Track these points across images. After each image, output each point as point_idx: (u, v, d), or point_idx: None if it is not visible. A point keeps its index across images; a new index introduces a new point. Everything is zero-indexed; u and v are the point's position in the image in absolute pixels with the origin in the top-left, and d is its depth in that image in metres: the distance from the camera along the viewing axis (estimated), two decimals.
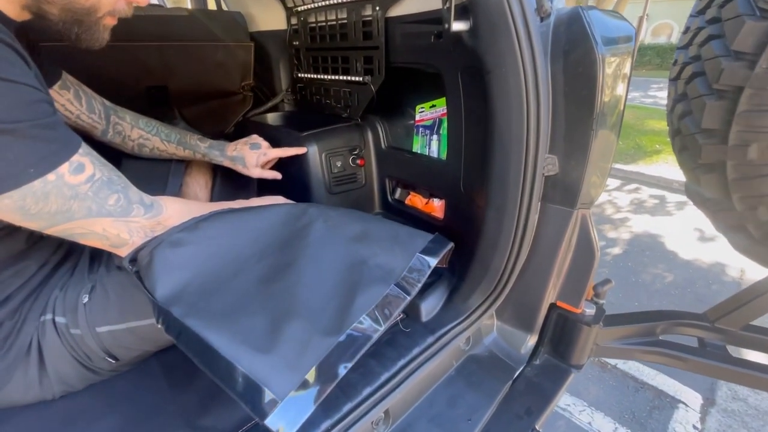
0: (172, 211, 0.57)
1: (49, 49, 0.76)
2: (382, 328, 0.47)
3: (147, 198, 0.55)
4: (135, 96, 1.11)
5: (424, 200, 1.02)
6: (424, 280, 0.53)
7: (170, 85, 1.15)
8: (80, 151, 0.48)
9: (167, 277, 0.49)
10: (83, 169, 0.47)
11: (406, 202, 1.06)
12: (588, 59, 0.56)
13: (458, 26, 0.60)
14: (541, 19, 0.61)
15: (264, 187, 1.10)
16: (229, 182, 1.03)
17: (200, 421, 0.59)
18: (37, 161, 0.43)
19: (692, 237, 2.82)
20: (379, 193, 1.10)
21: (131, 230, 0.53)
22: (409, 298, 0.51)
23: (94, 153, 0.51)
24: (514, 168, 0.62)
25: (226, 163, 0.92)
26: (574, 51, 0.57)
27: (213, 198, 0.98)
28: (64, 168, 0.45)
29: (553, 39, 0.59)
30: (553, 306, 0.76)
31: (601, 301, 0.77)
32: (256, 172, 0.93)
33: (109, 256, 0.64)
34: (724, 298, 0.76)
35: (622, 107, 0.61)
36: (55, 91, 0.71)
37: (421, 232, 0.63)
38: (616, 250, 2.65)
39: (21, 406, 0.57)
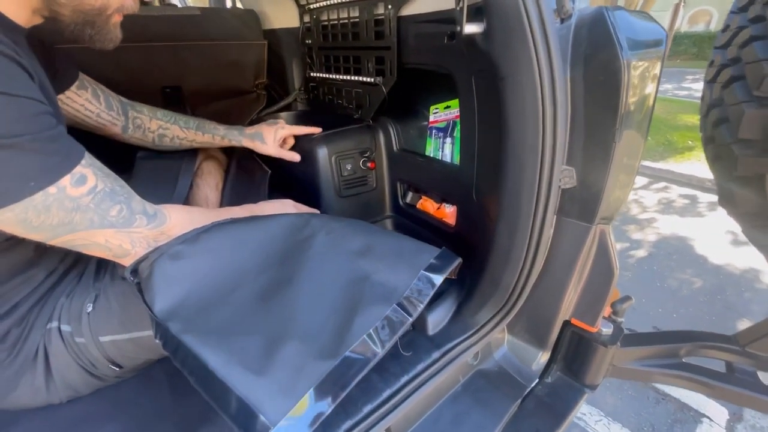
0: (176, 220, 0.57)
1: (62, 51, 0.76)
2: (380, 352, 0.45)
3: (150, 208, 0.55)
4: (150, 97, 1.10)
5: (436, 205, 0.99)
6: (428, 300, 0.51)
7: (184, 85, 1.15)
8: (82, 162, 0.48)
9: (166, 291, 0.49)
10: (85, 180, 0.47)
11: (418, 206, 1.03)
12: (612, 65, 0.51)
13: (471, 29, 0.57)
14: (561, 21, 0.56)
15: (274, 189, 1.09)
16: (240, 184, 1.02)
17: (202, 429, 0.59)
18: (37, 175, 0.43)
19: (724, 240, 2.68)
20: (390, 197, 1.08)
21: (134, 241, 0.53)
22: (410, 320, 0.49)
23: (97, 163, 0.51)
24: (528, 180, 0.58)
25: (246, 143, 0.94)
26: (597, 56, 0.53)
27: (223, 199, 0.98)
28: (66, 180, 0.45)
29: (573, 42, 0.55)
30: (567, 323, 0.73)
31: (620, 320, 0.73)
32: (274, 150, 0.94)
33: (115, 264, 0.65)
34: (756, 307, 0.71)
35: (648, 118, 0.56)
36: (73, 92, 0.72)
37: (427, 246, 0.60)
38: (641, 253, 2.54)
39: (29, 409, 0.58)
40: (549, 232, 0.61)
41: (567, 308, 0.71)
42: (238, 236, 0.56)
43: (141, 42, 1.03)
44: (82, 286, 0.62)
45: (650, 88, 0.54)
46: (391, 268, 0.54)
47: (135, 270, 0.52)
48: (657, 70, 0.54)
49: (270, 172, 1.06)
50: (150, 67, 1.07)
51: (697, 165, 3.79)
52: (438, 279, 0.53)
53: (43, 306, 0.58)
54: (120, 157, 0.96)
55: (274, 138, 0.94)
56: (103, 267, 0.66)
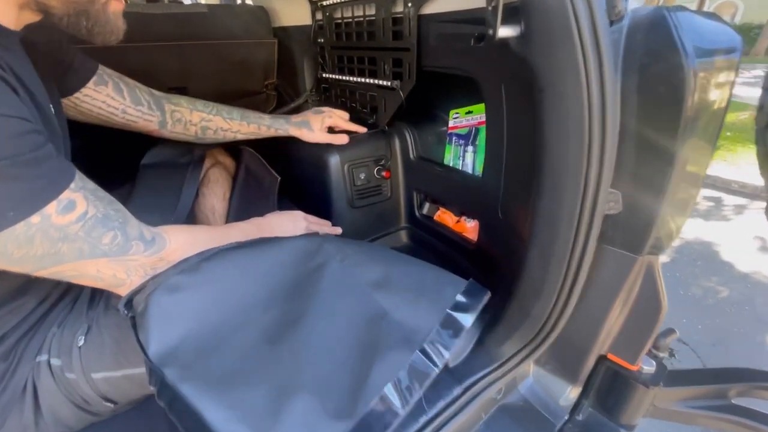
0: (176, 244, 0.52)
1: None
2: (402, 412, 0.39)
3: (148, 232, 0.50)
4: None
5: (455, 218, 0.92)
6: (455, 346, 0.45)
7: (190, 86, 1.09)
8: (72, 186, 0.42)
9: (163, 331, 0.44)
10: (74, 206, 0.42)
11: (435, 218, 0.96)
12: (674, 76, 0.44)
13: (506, 32, 0.50)
14: (611, 23, 0.49)
15: (284, 196, 1.04)
16: (248, 192, 0.97)
17: None
18: (18, 203, 0.38)
19: (752, 246, 2.55)
20: (406, 207, 1.01)
21: (129, 269, 0.48)
22: (436, 371, 0.43)
23: (90, 185, 0.46)
24: (567, 204, 0.51)
25: (293, 131, 0.90)
26: (655, 64, 0.45)
27: (231, 209, 0.93)
28: (51, 208, 0.40)
29: (626, 48, 0.48)
30: (602, 357, 0.66)
31: (662, 355, 0.66)
32: (323, 137, 0.90)
33: (110, 292, 0.60)
34: None
35: (715, 138, 0.48)
36: (90, 89, 0.67)
37: (451, 277, 0.54)
38: (663, 258, 2.43)
39: None
40: (589, 262, 0.54)
41: (603, 342, 0.64)
42: (243, 264, 0.50)
43: (144, 41, 0.97)
44: (75, 315, 0.57)
45: (720, 103, 0.46)
46: (412, 304, 0.48)
47: (129, 302, 0.47)
48: (729, 83, 0.46)
49: (279, 178, 1.01)
50: (154, 67, 1.02)
51: (723, 166, 3.63)
52: (467, 320, 0.47)
53: (33, 337, 0.53)
54: (125, 162, 0.93)
55: (321, 125, 0.90)
56: (98, 293, 0.62)
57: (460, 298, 0.49)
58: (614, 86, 0.44)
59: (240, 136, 0.87)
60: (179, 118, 0.80)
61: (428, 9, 0.73)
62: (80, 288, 0.62)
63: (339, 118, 0.93)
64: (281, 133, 0.90)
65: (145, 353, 0.42)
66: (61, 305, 0.58)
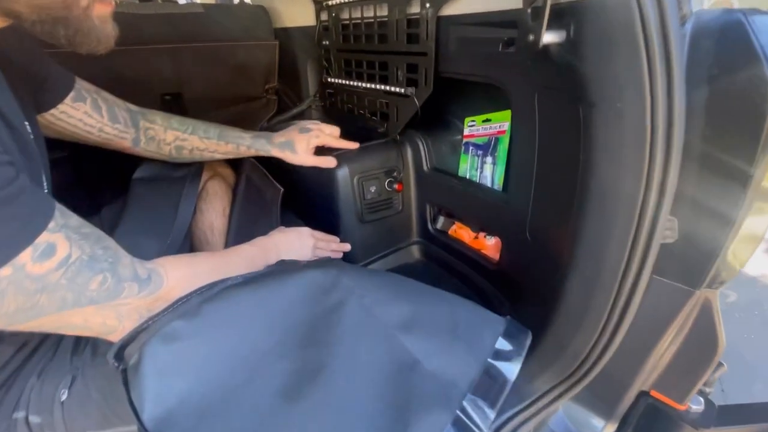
0: (175, 281, 0.45)
1: (54, 55, 0.64)
2: None
3: (143, 269, 0.43)
4: (147, 106, 0.99)
5: (473, 234, 0.86)
6: (500, 403, 0.39)
7: (185, 91, 1.02)
8: (50, 225, 0.36)
9: (159, 390, 0.37)
10: (53, 251, 0.36)
11: (450, 233, 0.90)
12: (755, 89, 0.38)
13: (551, 37, 0.44)
14: None
15: (287, 209, 0.97)
16: (250, 206, 0.90)
17: None
18: None
19: (759, 249, 2.51)
20: (418, 221, 0.95)
21: (121, 314, 0.41)
22: None
23: (73, 221, 0.39)
24: (618, 231, 0.45)
25: (275, 152, 0.81)
26: (729, 76, 0.39)
27: (231, 226, 0.86)
28: (26, 255, 0.34)
29: (690, 56, 0.41)
30: (644, 394, 0.60)
31: (709, 390, 0.60)
32: (309, 159, 0.80)
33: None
34: None
35: None
36: (68, 105, 0.60)
37: (486, 314, 0.48)
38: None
39: None
40: (640, 295, 0.48)
41: (646, 378, 0.58)
42: (250, 305, 0.43)
43: (135, 44, 0.90)
44: (57, 363, 0.50)
45: None
46: (446, 350, 0.42)
47: (120, 353, 0.40)
48: None
49: (282, 190, 0.94)
50: (147, 72, 0.94)
51: None
52: (511, 372, 0.41)
53: (9, 390, 0.46)
54: (114, 176, 0.86)
55: (306, 147, 0.81)
56: (85, 338, 0.55)
57: (501, 344, 0.42)
58: (682, 102, 0.38)
59: (218, 156, 0.80)
60: (152, 137, 0.73)
61: (449, 10, 0.67)
62: None
63: (328, 136, 0.83)
64: (262, 153, 0.82)
65: (139, 418, 0.36)
66: (42, 351, 0.51)
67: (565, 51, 0.44)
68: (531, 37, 0.46)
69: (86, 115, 0.63)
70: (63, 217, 0.38)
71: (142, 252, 0.69)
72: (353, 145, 0.85)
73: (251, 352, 0.41)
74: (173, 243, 0.72)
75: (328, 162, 0.81)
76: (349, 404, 0.38)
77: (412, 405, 0.38)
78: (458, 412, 0.38)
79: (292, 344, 0.41)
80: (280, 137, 0.81)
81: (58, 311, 0.37)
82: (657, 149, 0.40)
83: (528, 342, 0.45)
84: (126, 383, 0.38)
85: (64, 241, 0.36)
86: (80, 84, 0.62)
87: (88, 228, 0.40)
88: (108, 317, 0.40)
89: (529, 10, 0.47)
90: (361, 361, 0.40)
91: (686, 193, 0.45)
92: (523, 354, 0.43)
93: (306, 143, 0.80)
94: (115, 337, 0.42)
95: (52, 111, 0.59)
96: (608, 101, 0.41)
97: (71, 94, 0.60)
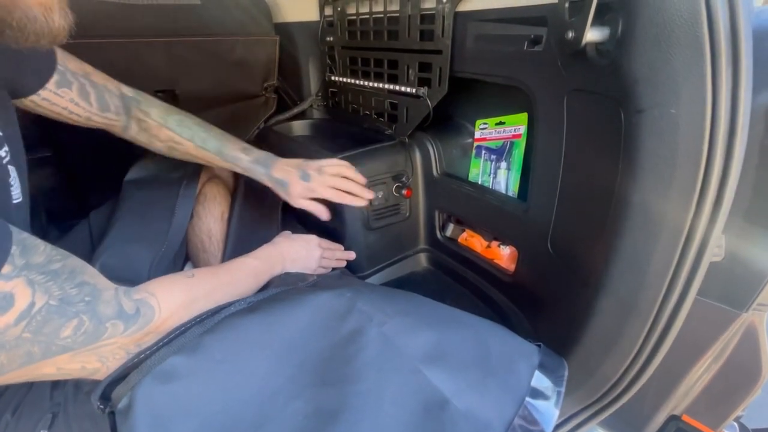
0: (169, 311, 0.40)
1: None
2: None
3: (129, 303, 0.38)
4: None
5: (485, 243, 0.81)
6: None
7: (179, 88, 0.96)
8: (5, 270, 0.30)
9: None
10: (11, 302, 0.30)
11: (460, 241, 0.86)
12: None
13: (596, 35, 0.39)
14: None
15: (291, 215, 0.92)
16: (250, 210, 0.85)
17: None
18: None
19: None
20: (426, 228, 0.90)
21: (104, 355, 0.36)
22: None
23: (38, 257, 0.33)
24: (662, 249, 0.41)
25: (267, 183, 0.73)
26: None
27: (230, 231, 0.80)
28: None
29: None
30: (674, 418, 0.56)
31: (741, 414, 0.56)
32: (300, 203, 0.73)
33: None
34: None
35: None
36: (50, 92, 0.53)
37: (518, 341, 0.43)
38: None
39: None
40: (682, 319, 0.44)
41: (678, 402, 0.55)
42: (257, 335, 0.38)
43: (126, 37, 0.84)
44: (35, 397, 0.44)
45: None
46: (479, 388, 0.37)
47: (106, 394, 0.35)
48: None
49: None
50: (138, 67, 0.88)
51: None
52: (551, 413, 0.36)
53: None
54: (104, 177, 0.79)
55: (300, 194, 0.71)
56: None
57: (537, 381, 0.38)
58: (748, 109, 0.34)
59: (212, 165, 0.74)
60: (145, 128, 0.67)
61: (467, 5, 0.62)
62: None
63: (331, 191, 0.71)
64: (255, 177, 0.73)
65: None
66: (17, 384, 0.45)
67: (610, 50, 0.40)
68: (570, 35, 0.41)
69: (72, 103, 0.56)
70: (23, 255, 0.31)
71: (133, 263, 0.63)
72: (362, 203, 0.74)
73: (260, 391, 0.36)
74: (168, 251, 0.66)
75: (320, 212, 0.73)
76: None
77: None
78: None
79: (306, 381, 0.36)
80: (279, 172, 0.72)
81: (24, 366, 0.32)
82: (715, 161, 0.36)
83: (565, 375, 0.41)
84: (114, 429, 0.33)
85: (24, 287, 0.30)
86: (64, 64, 0.54)
87: (57, 262, 0.34)
88: (87, 361, 0.35)
89: (566, 5, 0.42)
90: (386, 401, 0.35)
91: (737, 207, 0.41)
92: (562, 391, 0.39)
93: (301, 190, 0.72)
94: (100, 376, 0.36)
95: (32, 97, 0.52)
96: (661, 107, 0.36)
97: (54, 78, 0.53)
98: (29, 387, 0.45)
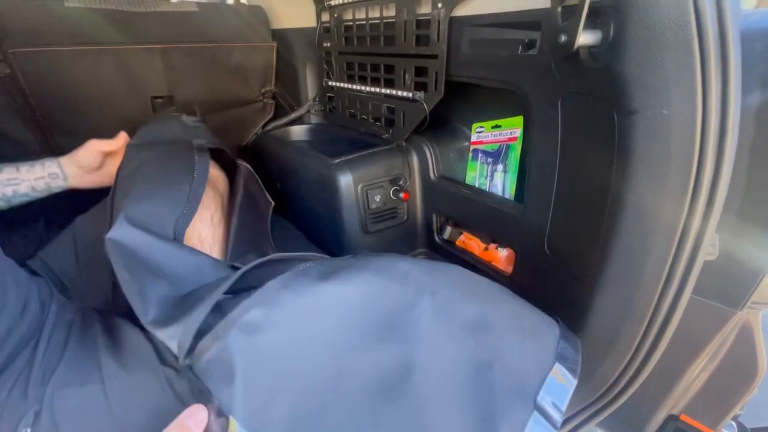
0: None
1: (35, 54, 0.59)
2: None
3: None
4: (139, 108, 0.94)
5: (483, 245, 0.82)
6: (566, 403, 0.39)
7: (177, 93, 0.97)
8: None
9: (249, 387, 0.32)
10: None
11: (458, 243, 0.86)
12: None
13: (588, 38, 0.40)
14: None
15: (284, 219, 0.93)
16: (244, 215, 0.85)
17: None
18: None
19: None
20: (423, 230, 0.91)
21: None
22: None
23: None
24: (657, 249, 0.42)
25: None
26: None
27: (229, 237, 0.80)
28: None
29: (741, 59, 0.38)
30: (673, 418, 0.56)
31: (739, 413, 0.57)
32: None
33: (70, 357, 0.46)
34: None
35: None
36: None
37: (544, 315, 0.48)
38: None
39: None
40: (678, 317, 0.45)
41: (676, 401, 0.55)
42: (328, 293, 0.39)
43: (125, 44, 0.85)
44: (19, 389, 0.43)
45: None
46: (517, 351, 0.41)
47: (191, 348, 0.35)
48: None
49: (273, 204, 0.89)
50: (136, 73, 0.89)
51: None
52: (570, 378, 0.38)
53: None
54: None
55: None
56: (51, 361, 0.46)
57: (562, 347, 0.43)
58: (738, 109, 0.35)
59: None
60: None
61: (462, 10, 0.63)
62: (27, 353, 0.47)
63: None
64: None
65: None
66: (3, 377, 0.43)
67: (602, 53, 0.41)
68: (563, 38, 0.42)
69: None
70: None
71: (158, 217, 0.57)
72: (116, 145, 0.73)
73: (335, 344, 0.36)
74: (188, 213, 0.61)
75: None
76: (444, 403, 0.36)
77: (497, 404, 0.37)
78: (536, 412, 0.37)
79: (375, 339, 0.37)
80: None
81: None
82: (706, 160, 0.36)
83: (579, 346, 0.43)
84: (202, 379, 0.33)
85: None
86: None
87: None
88: None
89: (559, 9, 0.43)
90: (446, 360, 0.38)
91: (730, 206, 0.42)
92: (579, 360, 0.42)
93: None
94: None
95: None
96: (653, 108, 0.37)
97: None
98: (16, 378, 0.43)
